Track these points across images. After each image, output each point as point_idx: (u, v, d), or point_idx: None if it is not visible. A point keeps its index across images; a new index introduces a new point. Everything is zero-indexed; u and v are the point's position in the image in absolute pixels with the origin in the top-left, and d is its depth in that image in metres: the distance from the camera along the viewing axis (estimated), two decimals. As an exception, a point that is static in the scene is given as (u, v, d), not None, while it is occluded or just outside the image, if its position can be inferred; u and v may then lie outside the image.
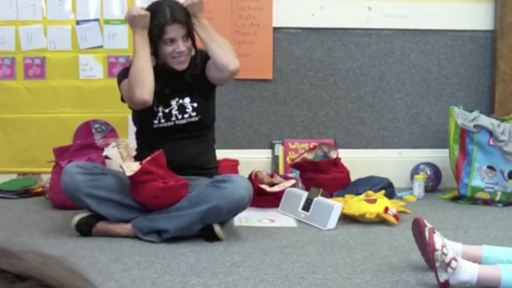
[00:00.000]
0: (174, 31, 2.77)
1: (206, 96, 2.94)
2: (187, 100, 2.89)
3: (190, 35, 2.82)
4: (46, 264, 0.49)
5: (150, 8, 2.83)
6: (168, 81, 2.86)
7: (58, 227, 2.95)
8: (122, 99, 2.95)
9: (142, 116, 2.91)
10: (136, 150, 3.05)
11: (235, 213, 2.77)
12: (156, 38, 2.78)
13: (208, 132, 3.00)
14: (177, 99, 2.89)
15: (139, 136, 3.02)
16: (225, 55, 2.80)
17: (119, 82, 2.92)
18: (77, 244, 2.67)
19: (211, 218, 2.70)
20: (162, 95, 2.85)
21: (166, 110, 2.88)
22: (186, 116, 2.88)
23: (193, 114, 2.88)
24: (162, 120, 2.88)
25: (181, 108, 2.88)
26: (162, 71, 2.84)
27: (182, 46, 2.78)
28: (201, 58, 2.89)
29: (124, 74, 2.89)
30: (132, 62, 2.81)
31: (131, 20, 2.79)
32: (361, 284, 2.23)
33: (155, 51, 2.82)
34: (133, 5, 3.77)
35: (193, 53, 2.89)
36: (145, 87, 2.74)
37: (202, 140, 2.95)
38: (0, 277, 0.46)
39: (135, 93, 2.75)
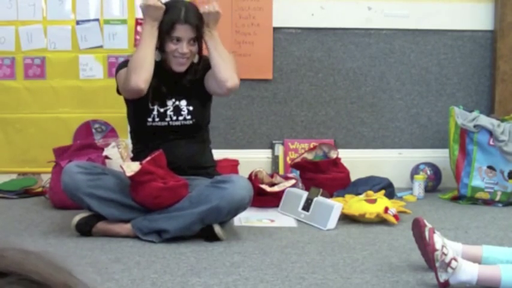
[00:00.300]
0: (183, 31, 2.78)
1: (203, 102, 2.94)
2: (183, 102, 2.89)
3: (198, 41, 2.83)
4: (27, 259, 0.49)
5: (167, 3, 2.84)
6: (168, 80, 2.87)
7: (58, 227, 2.95)
8: (118, 91, 2.95)
9: (137, 112, 2.91)
10: (132, 151, 3.05)
11: (235, 214, 2.77)
12: (164, 33, 2.79)
13: (203, 133, 3.00)
14: (173, 100, 2.89)
15: (133, 136, 3.01)
16: (225, 71, 2.80)
17: (117, 71, 2.93)
18: (77, 244, 2.67)
19: (211, 218, 2.70)
20: (158, 93, 2.86)
21: (162, 110, 2.88)
22: (180, 118, 2.88)
23: (188, 117, 2.88)
24: (156, 119, 2.88)
25: (177, 110, 2.88)
26: (163, 69, 2.85)
27: (186, 48, 2.78)
28: (203, 65, 2.89)
29: (124, 64, 2.90)
30: (136, 49, 2.82)
31: (145, 9, 2.79)
32: (361, 284, 2.23)
33: (161, 46, 2.83)
34: (133, 5, 3.77)
35: (196, 60, 2.88)
36: (142, 74, 2.73)
37: (197, 140, 2.95)
38: None
39: (130, 80, 2.74)
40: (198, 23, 2.79)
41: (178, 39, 2.78)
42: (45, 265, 0.50)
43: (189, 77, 2.87)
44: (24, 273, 0.47)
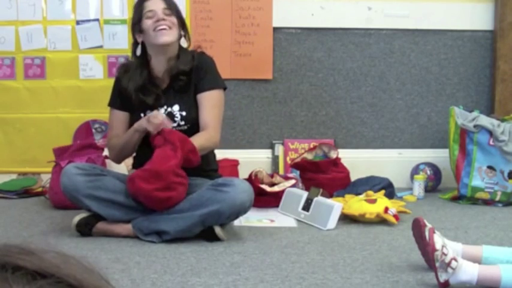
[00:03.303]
0: (153, 5, 2.82)
1: (196, 106, 2.89)
2: (176, 108, 2.87)
3: (175, 14, 2.84)
4: (65, 262, 0.50)
5: None
6: (157, 87, 2.86)
7: (58, 227, 2.95)
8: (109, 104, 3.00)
9: (132, 121, 2.90)
10: (133, 158, 3.03)
11: (236, 217, 2.77)
12: (137, 16, 2.82)
13: None
14: (165, 106, 2.87)
15: None
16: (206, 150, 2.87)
17: (115, 80, 2.97)
18: (77, 244, 2.67)
19: (211, 221, 2.69)
20: (142, 104, 2.85)
21: None
22: (174, 124, 2.84)
23: (182, 123, 2.85)
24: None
25: (170, 116, 2.85)
26: (152, 76, 2.86)
27: (161, 15, 2.80)
28: (197, 63, 2.87)
29: (121, 69, 2.95)
30: (124, 139, 2.84)
31: (151, 125, 2.73)
32: (361, 284, 2.22)
33: (140, 34, 2.86)
34: (133, 5, 3.77)
35: (185, 44, 2.89)
36: (119, 159, 2.97)
37: None
38: (21, 274, 0.47)
39: (109, 153, 3.00)
40: None
41: (152, 12, 2.81)
42: (82, 270, 0.51)
43: (181, 66, 2.84)
44: (63, 277, 0.48)
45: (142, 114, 2.86)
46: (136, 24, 2.85)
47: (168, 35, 2.81)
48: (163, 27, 2.80)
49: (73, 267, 0.50)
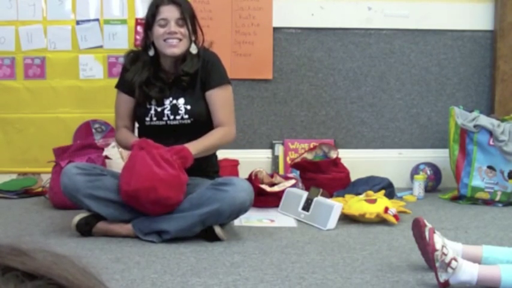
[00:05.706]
0: (168, 11, 2.80)
1: (202, 101, 2.91)
2: (181, 101, 2.88)
3: (187, 24, 2.83)
4: (57, 263, 0.49)
5: None
6: (164, 79, 2.87)
7: (58, 227, 2.95)
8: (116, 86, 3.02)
9: (136, 112, 2.93)
10: None
11: (236, 216, 2.77)
12: (150, 20, 2.82)
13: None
14: (171, 98, 2.88)
15: (138, 136, 3.01)
16: (224, 145, 2.94)
17: (122, 69, 3.00)
18: (77, 244, 2.67)
19: (212, 220, 2.69)
20: (145, 95, 2.88)
21: (159, 109, 2.88)
22: (178, 117, 2.86)
23: (186, 116, 2.86)
24: (154, 118, 2.87)
25: (174, 109, 2.87)
26: (159, 68, 2.88)
27: (174, 27, 2.79)
28: (202, 59, 2.89)
29: (120, 82, 2.97)
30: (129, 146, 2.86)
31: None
32: (361, 284, 2.22)
33: (153, 37, 2.86)
34: (133, 5, 3.77)
35: (194, 50, 2.88)
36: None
37: None
38: (11, 275, 0.46)
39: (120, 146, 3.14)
40: (184, 4, 2.82)
41: (165, 21, 2.80)
42: (75, 270, 0.49)
43: (186, 68, 2.85)
44: (54, 278, 0.47)
45: (148, 105, 2.89)
46: (148, 24, 2.85)
47: (177, 48, 2.82)
48: (173, 41, 2.81)
49: (65, 267, 0.49)
